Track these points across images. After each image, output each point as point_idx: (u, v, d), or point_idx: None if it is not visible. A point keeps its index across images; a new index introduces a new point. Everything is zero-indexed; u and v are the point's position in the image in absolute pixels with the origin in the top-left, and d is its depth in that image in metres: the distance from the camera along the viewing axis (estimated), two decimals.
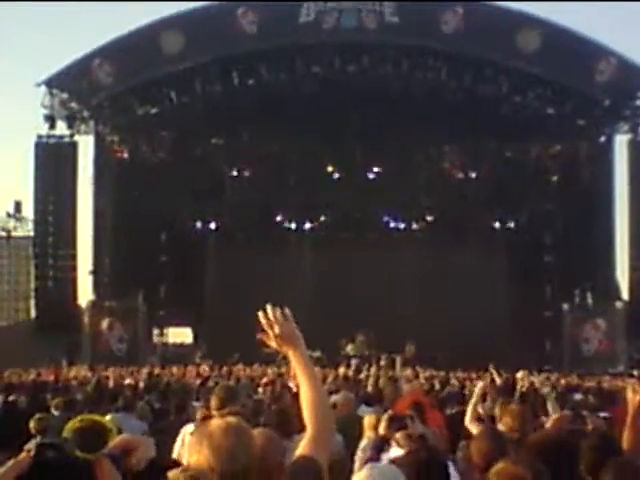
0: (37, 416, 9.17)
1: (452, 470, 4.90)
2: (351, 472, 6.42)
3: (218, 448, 3.42)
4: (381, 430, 6.48)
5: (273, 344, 4.05)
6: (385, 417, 6.56)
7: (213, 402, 7.70)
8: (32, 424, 8.86)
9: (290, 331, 4.16)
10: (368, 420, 8.57)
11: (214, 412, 7.58)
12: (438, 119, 38.80)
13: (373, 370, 20.50)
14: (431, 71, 38.78)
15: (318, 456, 3.82)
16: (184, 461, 6.23)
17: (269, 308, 4.09)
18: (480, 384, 10.06)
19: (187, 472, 3.28)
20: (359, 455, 8.21)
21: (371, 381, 16.01)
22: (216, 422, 3.54)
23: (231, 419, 3.59)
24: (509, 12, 38.38)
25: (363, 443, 8.39)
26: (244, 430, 3.55)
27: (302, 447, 3.89)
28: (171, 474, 3.33)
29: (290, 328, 4.17)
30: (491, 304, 41.30)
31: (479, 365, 27.41)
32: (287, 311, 4.16)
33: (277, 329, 3.97)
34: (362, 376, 20.93)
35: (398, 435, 6.17)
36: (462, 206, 43.32)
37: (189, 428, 7.73)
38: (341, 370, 25.16)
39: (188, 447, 3.69)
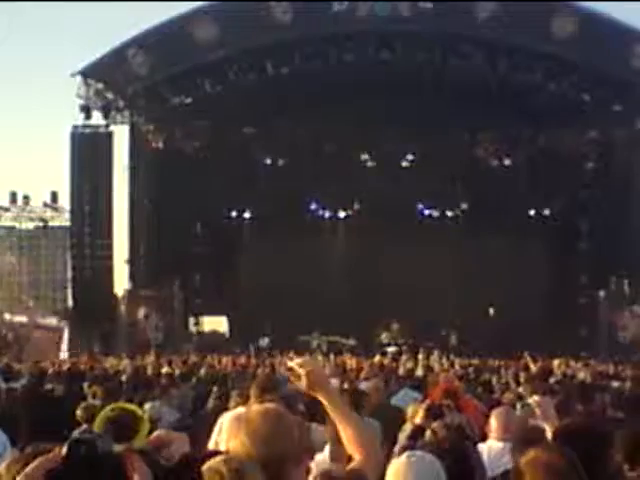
0: (83, 405, 9.23)
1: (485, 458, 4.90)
2: (388, 458, 6.45)
3: (255, 434, 3.45)
4: (418, 420, 6.50)
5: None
6: (422, 407, 6.58)
7: (253, 391, 7.75)
8: (79, 413, 8.93)
9: (318, 379, 3.99)
10: (410, 410, 8.59)
11: (253, 400, 7.63)
12: (472, 106, 38.67)
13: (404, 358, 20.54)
14: (465, 58, 38.51)
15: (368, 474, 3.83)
16: (221, 449, 6.29)
17: (295, 363, 4.01)
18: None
19: (230, 464, 3.29)
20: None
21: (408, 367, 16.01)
22: (255, 408, 3.56)
23: (270, 405, 3.62)
24: None
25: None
26: (282, 416, 3.57)
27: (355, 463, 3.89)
28: (212, 464, 3.34)
29: (318, 376, 4.01)
30: (526, 292, 41.21)
31: (514, 352, 27.40)
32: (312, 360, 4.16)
33: (305, 381, 3.88)
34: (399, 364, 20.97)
35: (435, 424, 6.19)
36: (497, 194, 43.08)
37: (227, 417, 7.76)
38: (377, 358, 25.21)
39: (227, 432, 3.71)
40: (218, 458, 3.41)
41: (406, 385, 13.04)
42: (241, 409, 7.70)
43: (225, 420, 7.65)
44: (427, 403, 6.80)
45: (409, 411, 8.61)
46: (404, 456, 4.39)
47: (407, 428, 8.28)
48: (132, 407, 6.72)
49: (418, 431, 6.28)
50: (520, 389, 11.43)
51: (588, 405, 9.57)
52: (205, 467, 3.33)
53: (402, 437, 8.21)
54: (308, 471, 4.02)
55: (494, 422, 6.87)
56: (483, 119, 40.30)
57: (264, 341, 39.60)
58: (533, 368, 15.61)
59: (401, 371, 17.64)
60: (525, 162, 42.78)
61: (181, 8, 39.71)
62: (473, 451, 5.00)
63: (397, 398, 11.55)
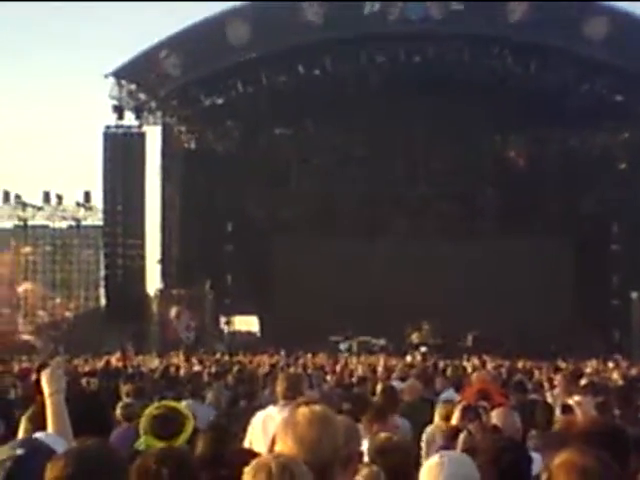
0: (122, 403, 9.33)
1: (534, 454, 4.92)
2: (418, 457, 6.51)
3: (302, 438, 3.42)
4: (454, 420, 6.54)
5: None
6: (459, 407, 6.62)
7: (278, 389, 7.80)
8: (118, 412, 9.02)
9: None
10: (439, 410, 8.66)
11: (280, 400, 7.70)
12: (504, 107, 38.58)
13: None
14: (496, 59, 38.46)
15: None
16: (255, 447, 6.36)
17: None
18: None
19: (279, 459, 3.28)
20: (425, 440, 8.32)
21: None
22: (301, 411, 3.51)
23: (317, 408, 3.56)
24: None
25: (430, 429, 8.50)
26: (329, 420, 3.50)
27: None
28: (261, 459, 3.36)
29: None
30: (557, 293, 41.04)
31: (545, 353, 27.33)
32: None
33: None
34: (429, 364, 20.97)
35: (471, 426, 6.22)
36: (528, 194, 42.97)
37: (259, 416, 7.82)
38: (408, 358, 25.23)
39: (276, 435, 3.68)
40: (267, 455, 3.42)
41: (450, 386, 13.04)
42: (271, 408, 7.81)
43: (256, 420, 7.71)
44: (463, 404, 6.83)
45: (437, 412, 8.71)
46: (437, 456, 4.40)
47: (437, 427, 8.40)
48: (178, 406, 6.79)
49: (454, 432, 6.31)
50: (555, 390, 11.43)
51: (625, 407, 9.57)
52: (254, 462, 3.35)
53: (431, 433, 8.32)
54: (355, 472, 4.03)
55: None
56: (514, 120, 40.16)
57: (344, 344, 39.56)
58: (565, 369, 15.54)
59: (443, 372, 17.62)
60: (556, 163, 42.58)
61: (213, 10, 39.93)
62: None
63: (444, 397, 11.56)
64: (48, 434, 4.85)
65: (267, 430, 6.97)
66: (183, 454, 4.68)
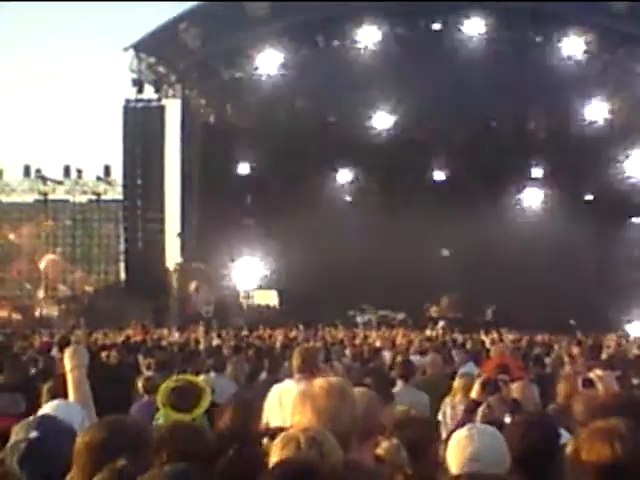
0: (143, 376, 9.39)
1: (562, 431, 4.91)
2: (437, 430, 6.51)
3: (320, 409, 3.43)
4: (473, 394, 6.53)
5: None
6: (478, 381, 6.61)
7: (294, 363, 7.85)
8: (140, 384, 9.07)
9: None
10: (458, 382, 8.68)
11: (295, 373, 7.76)
12: (524, 79, 38.22)
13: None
14: (515, 30, 38.15)
15: None
16: (271, 421, 6.38)
17: None
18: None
19: (307, 432, 3.29)
20: (443, 412, 8.36)
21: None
22: (319, 383, 3.53)
23: (334, 380, 3.59)
24: None
25: (449, 400, 8.54)
26: (347, 392, 3.54)
27: None
28: (289, 432, 3.37)
29: None
30: (576, 267, 40.85)
31: (564, 327, 27.29)
32: None
33: None
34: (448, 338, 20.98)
35: (491, 399, 6.22)
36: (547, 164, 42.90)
37: (275, 389, 7.86)
38: (427, 332, 25.23)
39: (292, 407, 3.69)
40: (297, 427, 3.42)
41: (469, 359, 13.08)
42: (287, 382, 7.86)
43: (272, 393, 7.75)
44: (483, 378, 6.82)
45: (456, 384, 8.74)
46: (465, 429, 4.40)
47: (455, 398, 8.43)
48: (196, 379, 6.89)
49: (474, 405, 6.32)
50: (576, 364, 11.41)
51: None
52: (283, 434, 3.36)
53: (450, 404, 8.36)
54: (376, 445, 4.04)
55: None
56: (535, 94, 39.87)
57: (363, 318, 39.68)
58: (585, 343, 15.52)
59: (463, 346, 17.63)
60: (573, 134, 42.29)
61: None
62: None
63: (464, 370, 11.59)
64: (69, 403, 4.88)
65: (283, 403, 7.04)
66: (196, 428, 4.72)
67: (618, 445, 3.17)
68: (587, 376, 6.51)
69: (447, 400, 8.70)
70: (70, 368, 5.17)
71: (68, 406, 4.78)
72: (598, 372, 6.58)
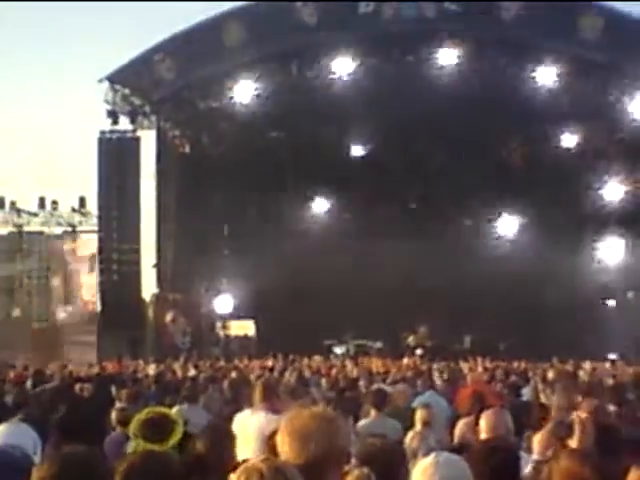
0: (117, 408, 9.34)
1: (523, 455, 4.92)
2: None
3: (298, 432, 3.44)
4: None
5: None
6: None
7: (255, 394, 8.13)
8: (113, 416, 9.01)
9: None
10: (420, 414, 8.78)
11: (257, 404, 7.98)
12: (497, 109, 38.41)
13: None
14: (488, 60, 38.35)
15: None
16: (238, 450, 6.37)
17: None
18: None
19: (269, 462, 3.29)
20: (410, 445, 8.37)
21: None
22: (300, 408, 3.56)
23: (315, 406, 3.62)
24: None
25: (413, 433, 8.56)
26: (326, 416, 3.56)
27: None
28: (252, 463, 3.34)
29: None
30: (553, 294, 40.98)
31: (540, 355, 27.36)
32: None
33: None
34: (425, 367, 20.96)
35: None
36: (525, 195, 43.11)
37: (236, 418, 8.06)
38: (405, 361, 25.23)
39: (279, 435, 3.70)
40: (258, 458, 3.42)
41: (432, 389, 13.12)
42: (246, 412, 8.19)
43: (237, 421, 7.95)
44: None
45: (418, 415, 8.83)
46: (431, 456, 4.41)
47: (417, 431, 8.46)
48: (168, 411, 6.93)
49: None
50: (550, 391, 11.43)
51: (621, 407, 9.57)
52: (243, 466, 3.33)
53: (414, 436, 8.38)
54: (347, 473, 4.02)
55: (483, 423, 6.91)
56: (511, 123, 40.13)
57: (341, 347, 39.72)
58: (561, 370, 15.57)
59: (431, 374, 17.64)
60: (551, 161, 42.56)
61: (207, 13, 39.79)
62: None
63: (422, 399, 11.61)
64: (20, 425, 4.84)
65: (239, 432, 7.04)
66: (166, 457, 4.70)
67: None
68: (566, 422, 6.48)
69: (410, 433, 8.71)
70: None
71: (19, 428, 4.75)
72: (581, 414, 6.58)
